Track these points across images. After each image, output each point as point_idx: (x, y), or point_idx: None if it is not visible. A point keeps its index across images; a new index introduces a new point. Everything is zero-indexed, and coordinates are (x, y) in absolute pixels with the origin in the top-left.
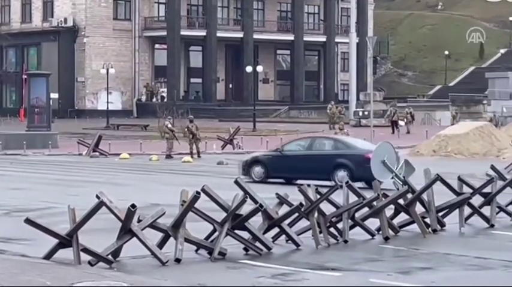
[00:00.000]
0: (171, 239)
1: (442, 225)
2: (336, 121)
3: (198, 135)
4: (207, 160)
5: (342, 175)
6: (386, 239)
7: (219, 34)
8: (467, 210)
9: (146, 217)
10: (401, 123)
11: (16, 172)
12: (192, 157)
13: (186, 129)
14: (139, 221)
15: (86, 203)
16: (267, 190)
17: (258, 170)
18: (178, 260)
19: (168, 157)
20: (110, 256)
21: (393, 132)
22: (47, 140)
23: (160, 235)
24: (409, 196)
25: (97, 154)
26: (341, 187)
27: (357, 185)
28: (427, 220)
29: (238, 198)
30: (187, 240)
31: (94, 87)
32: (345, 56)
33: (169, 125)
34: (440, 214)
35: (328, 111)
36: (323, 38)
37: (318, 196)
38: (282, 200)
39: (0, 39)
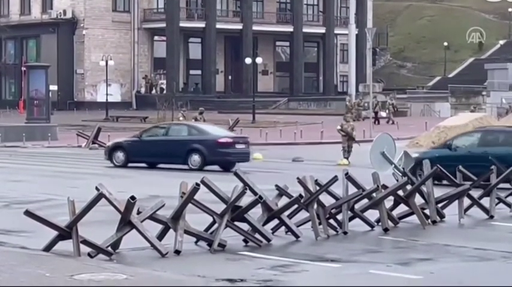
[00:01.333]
0: (171, 231)
1: (442, 216)
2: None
3: None
4: None
5: (195, 158)
6: (386, 230)
7: (218, 26)
8: (466, 201)
9: (146, 208)
10: (382, 114)
11: (15, 164)
12: None
13: (193, 120)
14: (138, 213)
15: (85, 195)
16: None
17: (119, 155)
18: (178, 252)
19: None
20: (109, 248)
21: (375, 123)
22: (46, 132)
23: (159, 226)
24: (409, 187)
25: (96, 145)
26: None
27: (211, 168)
28: (427, 211)
29: (237, 190)
30: (186, 232)
31: (93, 79)
32: (344, 47)
33: (181, 118)
34: (439, 205)
35: (347, 103)
36: (322, 30)
37: (318, 188)
38: (282, 192)
39: None
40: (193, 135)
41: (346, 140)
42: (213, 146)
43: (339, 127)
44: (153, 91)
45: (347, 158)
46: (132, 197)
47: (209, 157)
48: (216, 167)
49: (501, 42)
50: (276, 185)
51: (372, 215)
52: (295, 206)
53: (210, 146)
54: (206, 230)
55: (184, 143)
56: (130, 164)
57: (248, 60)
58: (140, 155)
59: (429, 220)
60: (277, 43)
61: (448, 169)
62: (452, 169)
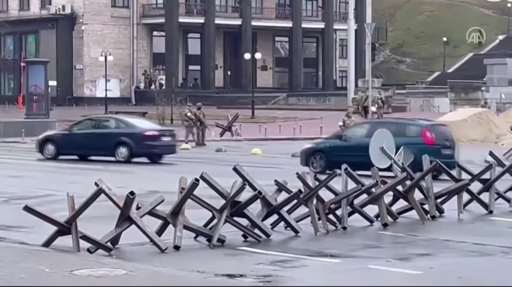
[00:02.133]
0: (170, 226)
1: (441, 211)
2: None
3: (205, 122)
4: (206, 147)
5: (122, 151)
6: (385, 225)
7: (217, 21)
8: (465, 196)
9: (145, 204)
10: (372, 108)
11: (15, 159)
12: (198, 145)
13: (193, 116)
14: (138, 208)
15: (84, 191)
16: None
17: (49, 147)
18: (177, 247)
19: (199, 144)
20: (108, 243)
21: (364, 117)
22: (46, 127)
23: (159, 222)
24: (408, 182)
25: None
26: (338, 174)
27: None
28: (426, 207)
29: (237, 185)
30: (186, 227)
31: (92, 74)
32: (344, 42)
33: (189, 113)
34: (439, 200)
35: (357, 97)
36: (321, 25)
37: (317, 183)
38: (281, 187)
39: None
40: (121, 129)
41: None
42: (139, 138)
43: (341, 123)
44: (152, 87)
45: None
46: (132, 193)
47: (136, 149)
48: (144, 159)
49: (500, 37)
50: (275, 181)
51: (371, 210)
52: (295, 201)
53: (136, 138)
54: (205, 225)
55: (112, 136)
56: (61, 157)
57: (247, 56)
58: (70, 148)
59: (428, 215)
60: (277, 38)
61: (339, 159)
62: (343, 159)
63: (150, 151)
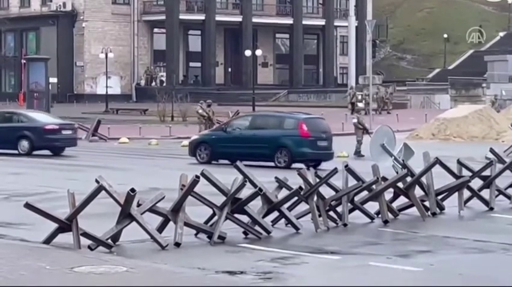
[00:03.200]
0: (171, 223)
1: (441, 208)
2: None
3: (213, 120)
4: None
5: (24, 144)
6: (386, 222)
7: (218, 18)
8: (466, 193)
9: (146, 201)
10: (360, 105)
11: (15, 156)
12: None
13: (205, 113)
14: (138, 205)
15: (85, 188)
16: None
17: None
18: (177, 244)
19: None
20: (109, 240)
21: (352, 113)
22: None
23: (159, 219)
24: (409, 179)
25: (96, 138)
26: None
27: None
28: (427, 203)
29: (237, 182)
30: (186, 224)
31: (93, 71)
32: (344, 39)
33: (200, 111)
34: (439, 197)
35: (374, 95)
36: (322, 22)
37: (317, 180)
38: (281, 184)
39: None
40: (22, 123)
41: (362, 133)
42: (40, 132)
43: (355, 120)
44: (153, 83)
45: (360, 152)
46: (132, 190)
47: (36, 142)
48: (46, 152)
49: (501, 34)
50: (276, 178)
51: (372, 207)
52: (295, 198)
53: (37, 132)
54: (206, 222)
55: (14, 130)
56: None
57: (248, 53)
58: None
59: (429, 212)
60: (277, 35)
61: (222, 150)
62: (226, 150)
63: (50, 144)
